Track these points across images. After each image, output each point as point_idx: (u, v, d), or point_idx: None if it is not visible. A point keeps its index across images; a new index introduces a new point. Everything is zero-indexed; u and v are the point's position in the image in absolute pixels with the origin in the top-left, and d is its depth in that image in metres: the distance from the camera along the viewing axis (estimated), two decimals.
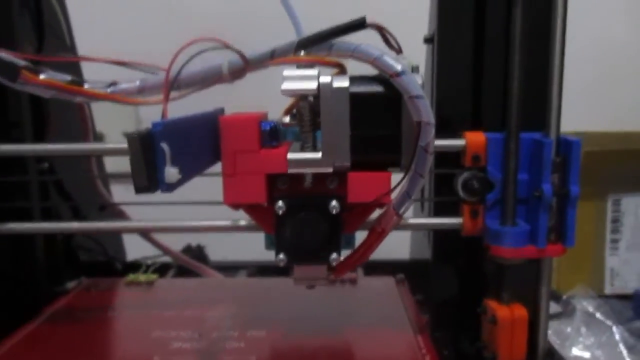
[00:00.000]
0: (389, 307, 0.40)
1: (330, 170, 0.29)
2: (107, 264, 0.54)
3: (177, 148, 0.23)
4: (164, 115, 0.27)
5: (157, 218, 0.38)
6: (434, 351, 0.33)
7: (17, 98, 0.42)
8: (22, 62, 0.28)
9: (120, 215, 0.51)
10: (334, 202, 0.29)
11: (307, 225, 0.29)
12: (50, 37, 0.45)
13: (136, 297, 0.42)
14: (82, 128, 0.43)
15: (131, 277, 0.45)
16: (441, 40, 0.39)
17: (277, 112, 0.33)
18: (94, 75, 0.33)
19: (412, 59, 0.29)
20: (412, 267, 0.50)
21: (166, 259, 0.53)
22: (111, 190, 0.55)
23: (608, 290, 0.62)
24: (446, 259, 0.40)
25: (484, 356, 0.36)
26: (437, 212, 0.39)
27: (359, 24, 0.28)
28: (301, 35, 0.30)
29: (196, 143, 0.27)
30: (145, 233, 0.48)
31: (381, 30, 0.29)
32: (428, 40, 0.44)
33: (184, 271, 0.53)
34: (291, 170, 0.29)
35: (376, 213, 0.32)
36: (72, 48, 0.48)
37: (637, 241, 0.62)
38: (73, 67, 0.47)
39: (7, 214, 0.38)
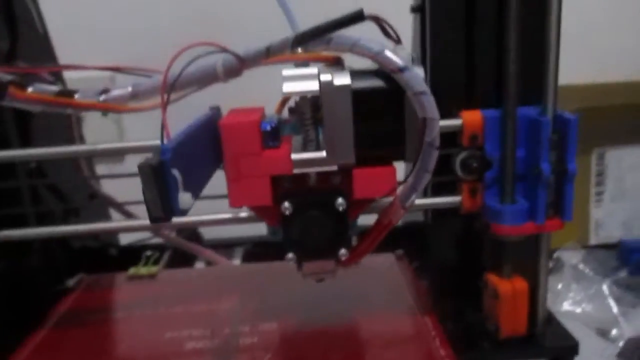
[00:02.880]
0: (393, 289, 0.40)
1: (335, 168, 0.28)
2: (102, 249, 0.54)
3: (186, 170, 0.22)
4: (163, 123, 0.26)
5: None
6: (442, 334, 0.34)
7: None
8: (8, 77, 0.27)
9: (109, 201, 0.51)
10: (340, 200, 0.29)
11: (315, 223, 0.29)
12: (22, 26, 0.43)
13: (141, 293, 0.41)
14: (68, 135, 0.42)
15: (132, 270, 0.44)
16: (433, 10, 0.38)
17: (272, 101, 0.32)
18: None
19: (400, 33, 0.29)
20: (405, 231, 0.49)
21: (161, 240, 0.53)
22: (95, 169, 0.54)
23: (593, 241, 0.64)
24: (443, 225, 0.40)
25: (487, 328, 0.38)
26: (433, 189, 0.40)
27: (358, 17, 0.27)
28: (297, 30, 0.29)
29: (200, 155, 0.26)
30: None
31: (378, 21, 0.28)
32: (415, 9, 0.43)
33: (180, 251, 0.53)
34: (296, 171, 0.28)
35: None
36: (44, 35, 0.46)
37: (620, 192, 0.64)
38: (48, 58, 0.45)
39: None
